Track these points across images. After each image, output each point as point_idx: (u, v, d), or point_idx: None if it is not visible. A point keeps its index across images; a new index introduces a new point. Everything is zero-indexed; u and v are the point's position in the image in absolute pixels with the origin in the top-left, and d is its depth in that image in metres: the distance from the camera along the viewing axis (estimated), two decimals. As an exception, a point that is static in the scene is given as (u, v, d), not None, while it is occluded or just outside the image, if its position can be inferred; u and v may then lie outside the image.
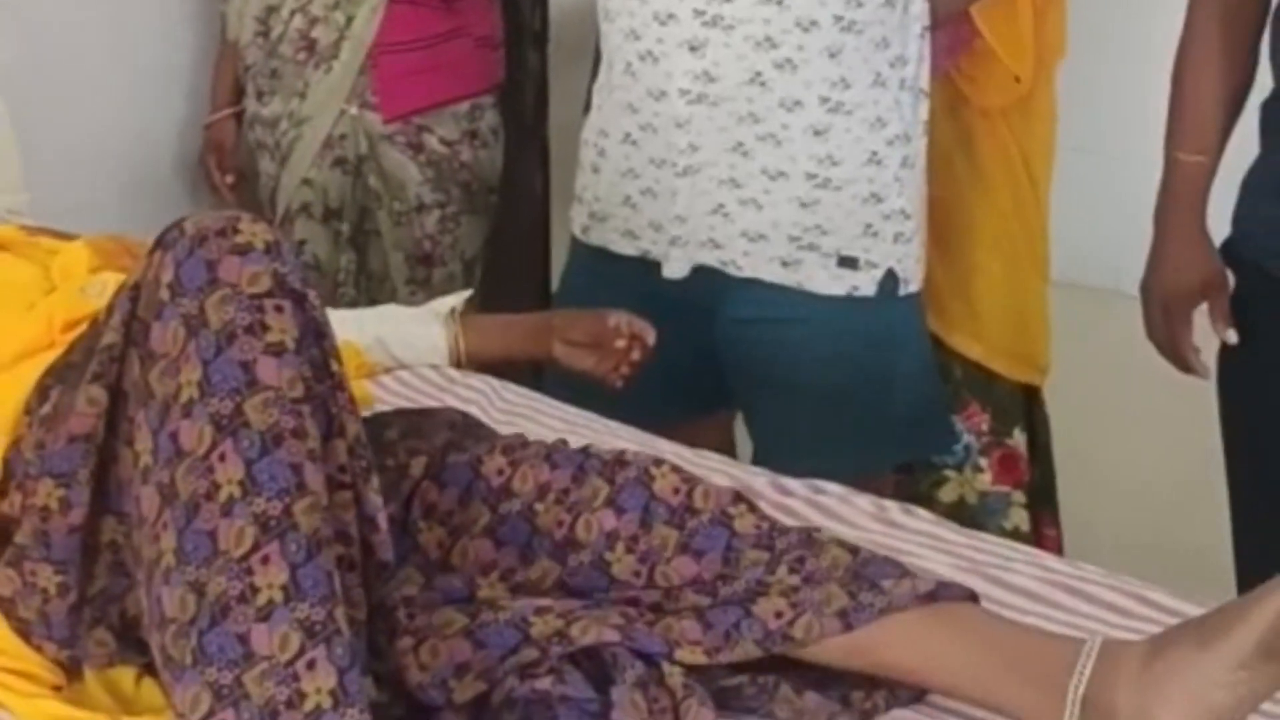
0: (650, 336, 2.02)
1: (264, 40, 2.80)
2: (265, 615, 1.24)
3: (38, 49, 2.75)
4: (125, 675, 1.45)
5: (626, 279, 2.23)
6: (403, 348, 2.14)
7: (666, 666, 1.39)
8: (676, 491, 1.51)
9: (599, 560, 1.50)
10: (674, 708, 1.38)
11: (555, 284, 2.67)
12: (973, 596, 1.46)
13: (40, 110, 2.69)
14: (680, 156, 2.12)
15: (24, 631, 1.45)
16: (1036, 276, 2.60)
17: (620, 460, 1.55)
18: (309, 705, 1.23)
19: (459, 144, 2.83)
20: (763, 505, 1.73)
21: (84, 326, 1.66)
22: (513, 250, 3.09)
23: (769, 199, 2.13)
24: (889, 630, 1.40)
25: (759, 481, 1.81)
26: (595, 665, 1.39)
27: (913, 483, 2.55)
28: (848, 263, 2.16)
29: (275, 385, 1.30)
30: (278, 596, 1.25)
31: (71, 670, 1.47)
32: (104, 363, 1.38)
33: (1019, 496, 2.61)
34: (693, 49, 2.07)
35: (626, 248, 2.23)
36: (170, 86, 3.07)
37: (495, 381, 2.06)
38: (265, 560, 1.25)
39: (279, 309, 1.32)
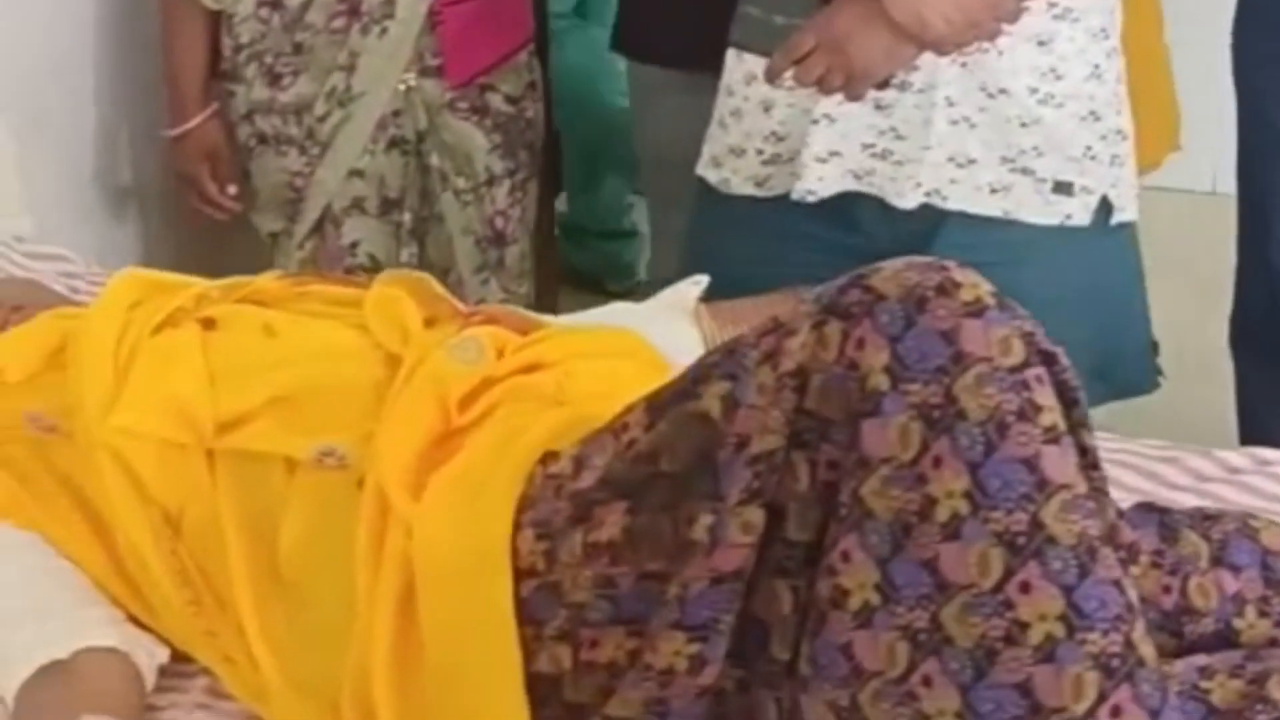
0: None
1: (273, 10, 2.30)
2: None
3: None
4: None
5: (810, 234, 1.91)
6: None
7: None
8: None
9: (1226, 629, 1.32)
10: None
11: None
12: None
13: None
14: None
15: None
16: None
17: (1204, 514, 1.38)
18: None
19: (523, 100, 2.42)
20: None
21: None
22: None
23: (984, 117, 1.85)
24: None
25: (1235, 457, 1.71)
26: None
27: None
28: (1062, 189, 1.92)
29: (1067, 483, 1.08)
30: None
31: None
32: (762, 474, 1.13)
33: None
34: None
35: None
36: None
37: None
38: (1116, 712, 1.06)
39: (1039, 379, 1.10)
